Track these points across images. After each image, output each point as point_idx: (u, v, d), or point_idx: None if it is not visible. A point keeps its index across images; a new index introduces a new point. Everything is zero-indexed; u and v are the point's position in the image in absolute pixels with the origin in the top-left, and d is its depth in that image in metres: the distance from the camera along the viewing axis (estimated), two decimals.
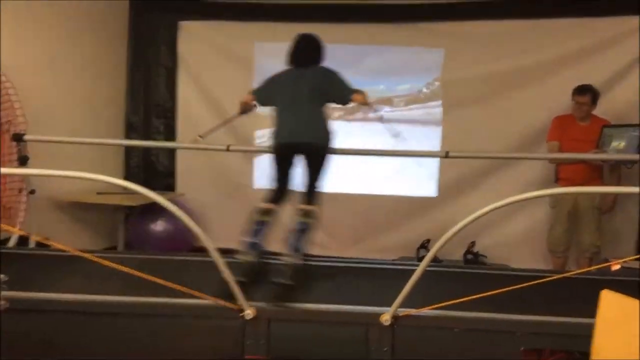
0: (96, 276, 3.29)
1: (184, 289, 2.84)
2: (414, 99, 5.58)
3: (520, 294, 2.86)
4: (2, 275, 2.16)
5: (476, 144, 4.98)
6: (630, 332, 2.05)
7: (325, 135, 3.41)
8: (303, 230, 3.26)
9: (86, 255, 3.18)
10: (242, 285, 2.79)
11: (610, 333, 2.12)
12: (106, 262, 3.16)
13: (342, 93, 3.46)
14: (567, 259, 4.68)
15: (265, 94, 3.62)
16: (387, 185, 5.64)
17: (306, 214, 3.29)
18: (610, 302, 2.18)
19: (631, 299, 2.11)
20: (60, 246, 3.26)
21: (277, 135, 3.42)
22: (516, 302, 2.90)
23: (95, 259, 3.22)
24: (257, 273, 3.16)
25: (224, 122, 4.21)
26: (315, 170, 3.37)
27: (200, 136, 4.13)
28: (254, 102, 3.73)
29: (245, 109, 3.83)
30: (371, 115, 3.64)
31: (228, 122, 4.24)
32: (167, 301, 2.94)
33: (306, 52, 3.52)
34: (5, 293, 2.12)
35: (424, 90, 5.54)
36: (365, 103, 3.50)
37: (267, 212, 3.37)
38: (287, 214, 3.43)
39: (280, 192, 3.46)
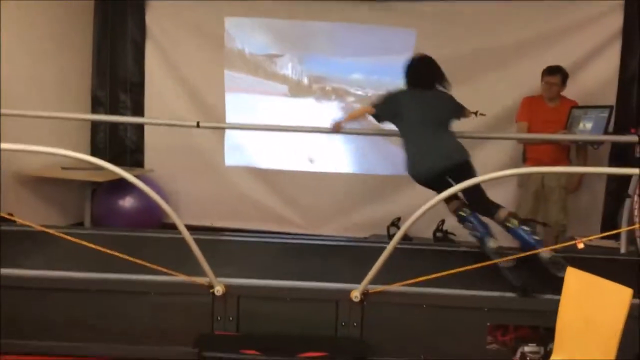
0: (63, 253, 3.24)
1: (153, 265, 2.81)
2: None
3: (487, 271, 2.93)
4: None
5: None
6: (593, 307, 2.11)
7: (465, 150, 3.47)
8: (516, 231, 3.25)
9: (51, 231, 3.13)
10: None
11: (574, 308, 2.18)
12: (72, 238, 3.12)
13: (459, 113, 3.68)
14: None
15: (388, 111, 3.60)
16: (359, 164, 5.65)
17: (507, 218, 3.28)
18: (574, 279, 2.24)
19: (594, 276, 2.17)
20: (25, 222, 3.20)
21: (423, 163, 3.41)
22: (484, 279, 2.96)
23: (61, 235, 3.18)
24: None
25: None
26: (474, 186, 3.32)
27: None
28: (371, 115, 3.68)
29: (358, 118, 3.87)
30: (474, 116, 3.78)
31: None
32: (136, 278, 2.92)
33: (428, 75, 3.59)
34: None
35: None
36: (470, 114, 3.74)
37: (463, 206, 3.43)
38: None
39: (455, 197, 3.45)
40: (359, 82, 5.60)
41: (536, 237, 3.22)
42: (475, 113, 3.73)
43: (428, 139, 3.40)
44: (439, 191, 3.32)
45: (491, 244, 3.24)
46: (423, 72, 3.59)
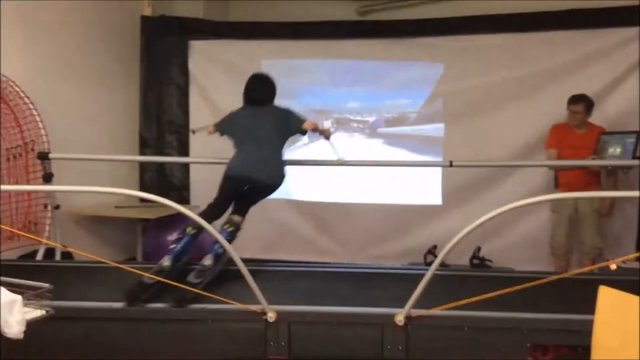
0: (120, 285, 3.46)
1: (209, 294, 3.02)
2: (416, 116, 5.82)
3: (525, 294, 3.05)
4: (47, 285, 2.34)
5: (477, 153, 5.16)
6: (627, 325, 2.21)
7: (276, 174, 3.79)
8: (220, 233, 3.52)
9: (112, 264, 3.38)
10: None
11: (609, 326, 2.28)
12: (130, 269, 3.35)
13: (298, 126, 3.85)
14: (569, 261, 4.84)
15: (226, 127, 3.95)
16: (395, 195, 5.83)
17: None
18: (607, 297, 2.35)
19: (628, 294, 2.27)
20: (93, 257, 3.44)
21: (234, 165, 3.75)
22: (522, 302, 3.08)
23: (121, 267, 3.43)
24: None
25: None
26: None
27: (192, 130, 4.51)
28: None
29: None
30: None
31: None
32: (193, 307, 3.12)
33: (261, 93, 3.88)
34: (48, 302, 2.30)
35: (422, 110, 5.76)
36: (312, 127, 3.90)
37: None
38: None
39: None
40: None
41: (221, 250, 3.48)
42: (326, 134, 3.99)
43: (249, 150, 3.70)
44: (228, 194, 3.72)
45: (165, 262, 3.52)
46: (257, 90, 3.85)
